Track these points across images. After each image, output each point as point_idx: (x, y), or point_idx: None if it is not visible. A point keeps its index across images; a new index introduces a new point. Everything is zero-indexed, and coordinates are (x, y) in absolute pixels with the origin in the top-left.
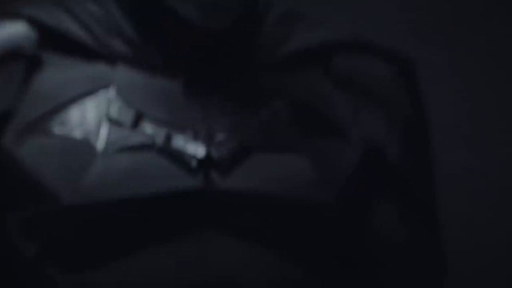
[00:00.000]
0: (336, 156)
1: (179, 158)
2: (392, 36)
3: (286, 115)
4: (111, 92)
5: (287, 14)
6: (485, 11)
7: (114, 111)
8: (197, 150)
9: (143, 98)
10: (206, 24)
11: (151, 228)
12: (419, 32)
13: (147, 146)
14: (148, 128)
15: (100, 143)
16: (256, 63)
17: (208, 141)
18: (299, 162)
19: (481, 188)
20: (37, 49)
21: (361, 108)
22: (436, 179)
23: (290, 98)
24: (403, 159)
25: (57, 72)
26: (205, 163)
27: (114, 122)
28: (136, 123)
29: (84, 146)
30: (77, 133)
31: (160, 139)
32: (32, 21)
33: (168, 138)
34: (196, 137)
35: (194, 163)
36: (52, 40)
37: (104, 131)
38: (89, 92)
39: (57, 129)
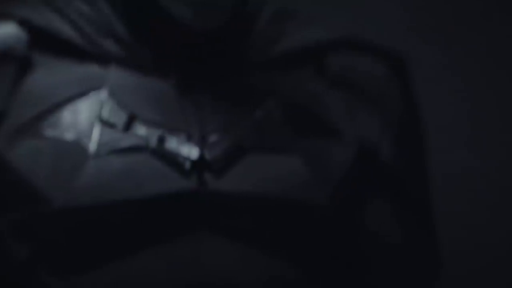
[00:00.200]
0: (330, 156)
1: (172, 160)
2: (392, 36)
3: (279, 115)
4: (103, 93)
5: (280, 12)
6: (485, 11)
7: (106, 113)
8: (190, 151)
9: (136, 99)
10: (198, 24)
11: (144, 230)
12: (419, 32)
13: (139, 148)
14: (140, 129)
15: (92, 145)
16: (249, 62)
17: (201, 142)
18: (293, 162)
19: (481, 188)
20: (28, 50)
21: (355, 107)
22: (436, 179)
23: (283, 98)
24: (398, 158)
25: (49, 74)
26: (198, 164)
27: (106, 124)
28: (128, 124)
29: (76, 148)
30: (69, 135)
31: (153, 140)
32: (23, 22)
33: (161, 140)
34: (189, 138)
35: (187, 165)
36: (43, 41)
37: (96, 133)
38: (81, 94)
39: (49, 131)
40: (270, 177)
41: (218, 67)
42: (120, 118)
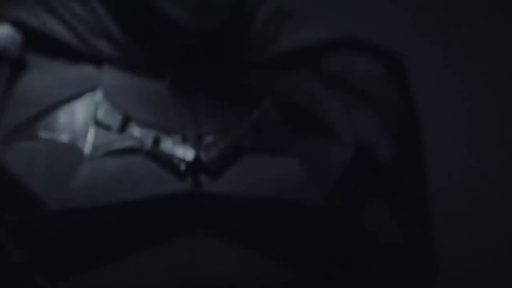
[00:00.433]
0: (328, 156)
1: (167, 162)
2: (392, 36)
3: (276, 116)
4: (98, 95)
5: (278, 12)
6: (485, 11)
7: (101, 114)
8: (185, 153)
9: (130, 100)
10: (193, 24)
11: (139, 231)
12: (419, 32)
13: (135, 150)
14: (135, 131)
15: (87, 147)
16: (246, 62)
17: (196, 143)
18: (290, 163)
19: (481, 188)
20: (22, 51)
21: (353, 107)
22: (436, 179)
23: (280, 98)
24: (395, 158)
25: (43, 75)
26: (194, 166)
27: (101, 126)
28: (123, 126)
29: (71, 150)
30: (64, 137)
31: (148, 142)
32: (17, 23)
33: (156, 141)
34: (184, 139)
35: (182, 167)
36: (37, 42)
37: (91, 135)
38: (75, 95)
39: (43, 133)
40: (267, 178)
41: (214, 67)
42: (115, 120)
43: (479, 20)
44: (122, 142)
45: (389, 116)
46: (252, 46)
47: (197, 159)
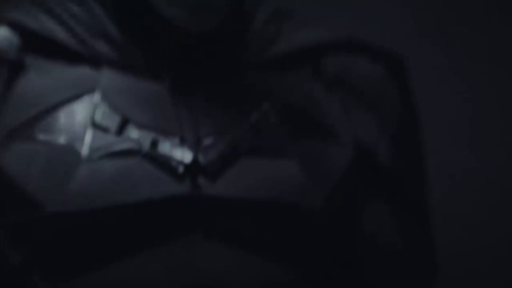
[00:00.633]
0: (327, 158)
1: (165, 164)
2: (393, 36)
3: (276, 117)
4: (96, 96)
5: (277, 12)
6: (485, 11)
7: (99, 116)
8: (183, 155)
9: (128, 101)
10: (192, 25)
11: (137, 234)
12: (420, 33)
13: (133, 152)
14: (134, 133)
15: (85, 149)
16: (244, 63)
17: (195, 146)
18: (289, 165)
19: (482, 188)
20: (20, 53)
21: (352, 108)
22: (437, 179)
23: (279, 99)
24: (395, 159)
25: (41, 76)
26: (192, 168)
27: (99, 127)
28: (121, 128)
29: (69, 152)
30: (62, 139)
31: (146, 144)
32: (14, 25)
33: (154, 143)
34: (182, 141)
35: (181, 169)
36: (35, 43)
37: (89, 137)
38: (73, 97)
39: (41, 135)
40: (266, 179)
41: (213, 68)
42: (113, 122)
43: (479, 20)
44: (120, 144)
45: (389, 117)
46: (251, 46)
47: (195, 161)
